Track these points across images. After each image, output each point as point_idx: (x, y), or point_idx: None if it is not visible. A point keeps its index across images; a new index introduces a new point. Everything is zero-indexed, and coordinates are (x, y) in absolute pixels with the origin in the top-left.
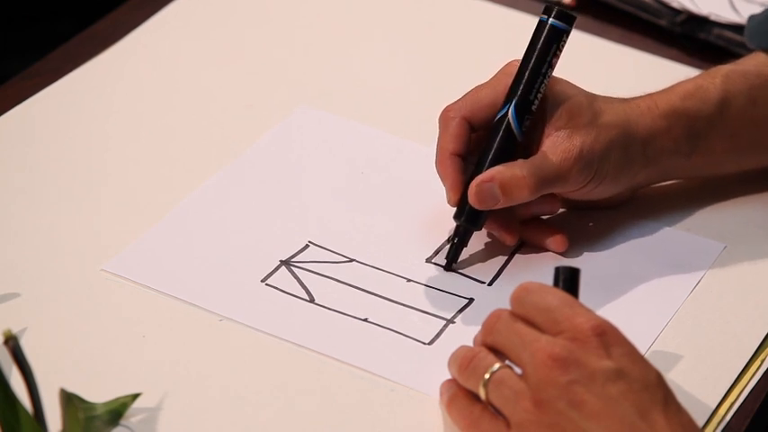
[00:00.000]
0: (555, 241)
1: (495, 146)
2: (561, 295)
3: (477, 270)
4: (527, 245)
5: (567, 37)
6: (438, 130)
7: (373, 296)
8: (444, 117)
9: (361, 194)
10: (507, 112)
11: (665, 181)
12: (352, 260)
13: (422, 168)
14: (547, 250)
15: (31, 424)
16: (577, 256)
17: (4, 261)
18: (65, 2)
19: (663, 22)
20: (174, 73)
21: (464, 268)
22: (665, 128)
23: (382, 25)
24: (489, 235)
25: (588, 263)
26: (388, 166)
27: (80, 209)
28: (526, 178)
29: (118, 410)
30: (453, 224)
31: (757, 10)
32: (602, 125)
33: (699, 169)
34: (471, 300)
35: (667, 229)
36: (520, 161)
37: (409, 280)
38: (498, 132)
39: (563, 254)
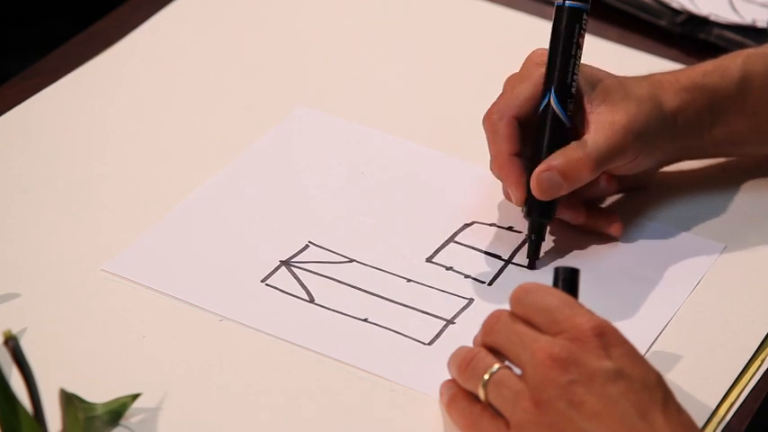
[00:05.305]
0: (614, 226)
1: (546, 136)
2: (561, 295)
3: (477, 270)
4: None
5: (587, 14)
6: (486, 135)
7: (373, 296)
8: (490, 120)
9: (361, 194)
10: (549, 100)
11: (685, 160)
12: (352, 260)
13: (422, 168)
14: (605, 234)
15: (31, 424)
16: (577, 256)
17: (4, 261)
18: (65, 2)
19: (663, 23)
20: (173, 73)
21: (464, 268)
22: (689, 101)
23: (382, 25)
24: (491, 235)
25: (588, 263)
26: (388, 166)
27: (80, 209)
28: (584, 159)
29: (118, 410)
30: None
31: (757, 10)
32: (636, 99)
33: (720, 147)
34: (471, 300)
35: (667, 229)
36: (573, 144)
37: (409, 280)
38: (546, 122)
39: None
